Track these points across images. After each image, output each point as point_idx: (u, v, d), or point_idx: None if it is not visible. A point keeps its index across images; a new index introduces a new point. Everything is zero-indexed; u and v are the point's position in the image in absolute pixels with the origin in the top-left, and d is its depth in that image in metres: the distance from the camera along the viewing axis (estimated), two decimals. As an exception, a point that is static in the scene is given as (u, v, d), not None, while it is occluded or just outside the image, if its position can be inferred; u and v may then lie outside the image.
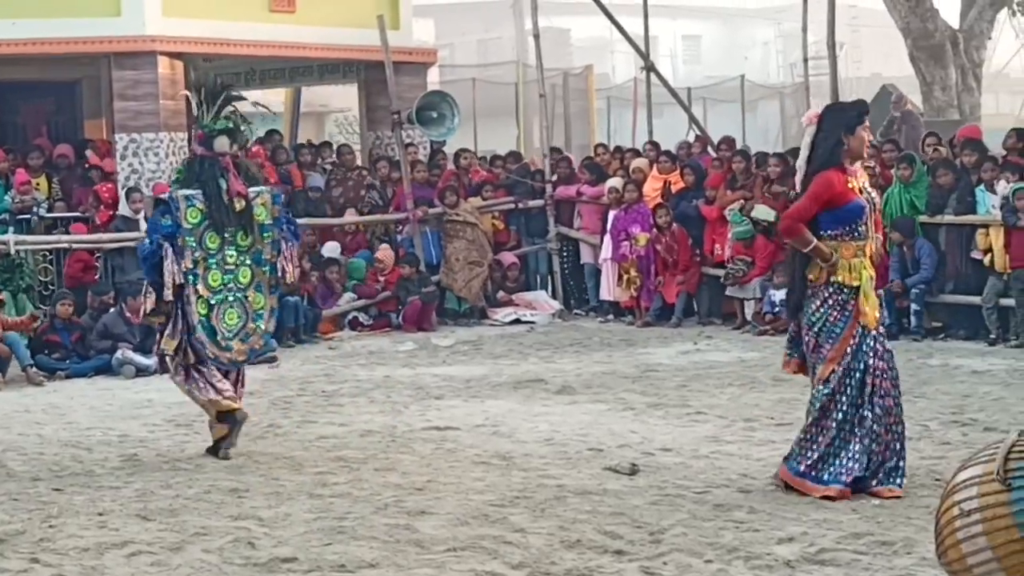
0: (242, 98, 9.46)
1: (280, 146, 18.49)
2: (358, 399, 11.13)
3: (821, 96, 21.05)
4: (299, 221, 16.19)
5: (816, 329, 7.46)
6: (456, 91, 20.22)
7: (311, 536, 6.79)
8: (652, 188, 16.18)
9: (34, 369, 12.58)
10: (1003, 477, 4.87)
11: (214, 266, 8.86)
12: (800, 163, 7.64)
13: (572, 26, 43.07)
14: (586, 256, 16.93)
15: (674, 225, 15.51)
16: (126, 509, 7.45)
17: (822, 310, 7.44)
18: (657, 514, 7.06)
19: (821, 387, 7.45)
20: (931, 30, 24.49)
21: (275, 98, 26.18)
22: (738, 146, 17.10)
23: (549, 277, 17.26)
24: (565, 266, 17.12)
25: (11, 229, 14.53)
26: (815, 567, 6.11)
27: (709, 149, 17.03)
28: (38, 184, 15.51)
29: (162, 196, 9.00)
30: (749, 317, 14.96)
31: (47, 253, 14.66)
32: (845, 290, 7.43)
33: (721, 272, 15.26)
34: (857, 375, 7.40)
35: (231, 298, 8.93)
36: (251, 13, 16.80)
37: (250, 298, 8.99)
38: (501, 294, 16.75)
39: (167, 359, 8.99)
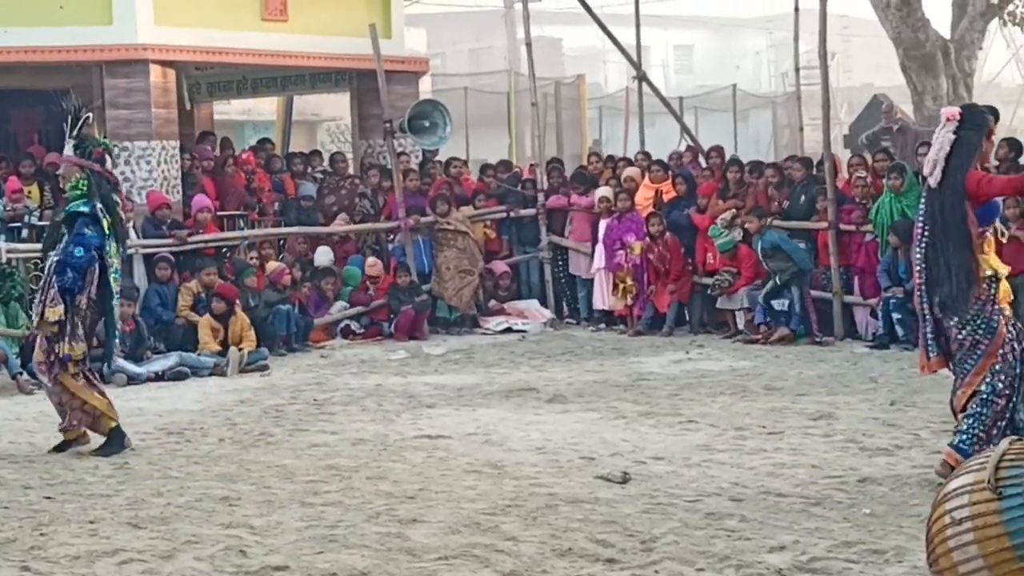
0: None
1: (274, 155, 18.52)
2: (350, 407, 11.13)
3: (813, 106, 21.08)
4: (291, 229, 16.47)
5: (973, 326, 7.58)
6: (448, 100, 20.25)
7: (302, 544, 6.79)
8: (644, 197, 16.20)
9: (24, 377, 12.54)
10: (994, 486, 4.89)
11: (115, 273, 9.51)
12: (935, 156, 7.68)
13: (564, 35, 43.15)
14: (573, 267, 16.93)
15: (667, 234, 15.53)
16: (117, 517, 7.44)
17: (977, 305, 7.58)
18: (648, 523, 7.06)
19: (992, 379, 7.49)
20: (922, 40, 24.55)
21: (267, 107, 26.24)
22: (729, 155, 17.12)
23: (541, 286, 17.25)
24: (560, 275, 17.10)
25: (2, 237, 14.51)
26: (806, 575, 6.11)
27: (700, 158, 17.07)
28: (30, 192, 15.50)
29: (83, 209, 9.26)
30: (741, 326, 14.99)
31: (39, 261, 14.61)
32: (994, 282, 7.67)
33: (712, 281, 15.29)
34: (1019, 367, 7.52)
35: (116, 302, 9.63)
36: (243, 22, 16.79)
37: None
38: (493, 303, 16.75)
39: (64, 365, 9.35)
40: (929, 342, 7.86)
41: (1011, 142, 14.19)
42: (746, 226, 14.87)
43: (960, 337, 7.64)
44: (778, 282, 14.44)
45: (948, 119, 7.71)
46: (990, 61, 38.69)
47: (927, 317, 7.83)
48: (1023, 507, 4.80)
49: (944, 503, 5.02)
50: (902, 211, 13.87)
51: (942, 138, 7.69)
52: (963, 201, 7.61)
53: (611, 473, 8.18)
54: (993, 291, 7.70)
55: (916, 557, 6.10)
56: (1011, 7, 26.60)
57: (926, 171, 7.89)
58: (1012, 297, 8.02)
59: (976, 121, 7.70)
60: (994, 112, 8.07)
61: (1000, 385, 7.49)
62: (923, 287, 7.83)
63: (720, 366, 12.95)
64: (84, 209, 9.30)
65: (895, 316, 13.69)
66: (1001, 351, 7.56)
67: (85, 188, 9.38)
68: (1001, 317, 7.66)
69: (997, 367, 7.53)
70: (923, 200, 7.91)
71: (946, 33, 25.52)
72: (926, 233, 7.78)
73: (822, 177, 14.86)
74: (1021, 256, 12.83)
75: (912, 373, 11.84)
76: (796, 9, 17.34)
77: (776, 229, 14.81)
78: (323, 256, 16.29)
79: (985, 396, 7.52)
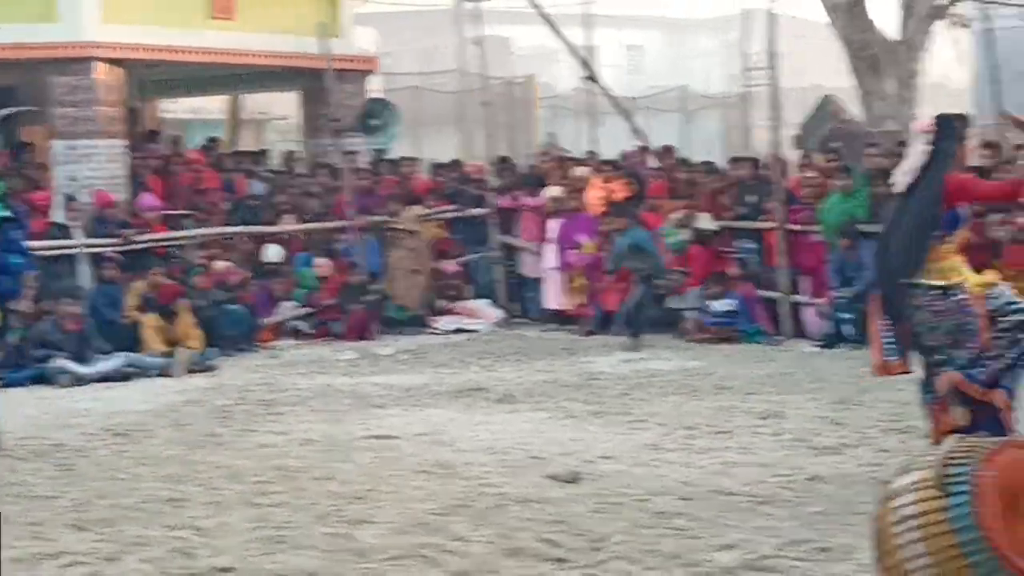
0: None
1: (225, 154, 18.42)
2: (298, 408, 11.07)
3: (762, 107, 21.16)
4: (240, 229, 16.36)
5: (945, 330, 7.55)
6: (398, 99, 20.22)
7: (250, 546, 6.74)
8: (594, 197, 16.21)
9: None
10: (940, 483, 4.90)
11: None
12: (910, 167, 7.68)
13: (514, 35, 43.11)
14: (523, 267, 16.93)
15: (617, 233, 15.55)
16: (61, 519, 7.37)
17: (945, 316, 7.55)
18: (598, 522, 7.05)
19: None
20: (870, 41, 24.70)
21: (215, 105, 26.09)
22: (679, 156, 17.16)
23: (491, 285, 17.23)
24: (510, 275, 17.10)
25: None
26: (755, 574, 6.13)
27: (650, 159, 17.10)
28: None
29: (6, 213, 9.28)
30: (690, 326, 15.02)
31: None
32: (956, 291, 7.54)
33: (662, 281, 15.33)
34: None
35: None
36: (191, 20, 16.69)
37: None
38: (443, 303, 16.71)
39: None
40: (887, 345, 7.85)
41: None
42: (611, 226, 15.00)
43: (938, 336, 7.63)
44: (636, 290, 14.64)
45: (923, 130, 7.75)
46: (937, 62, 38.95)
47: (891, 319, 7.83)
48: (969, 504, 4.82)
49: (891, 501, 5.04)
50: (850, 211, 13.95)
51: (916, 148, 7.73)
52: (937, 206, 7.59)
53: (560, 473, 8.18)
54: (958, 298, 7.59)
55: (863, 555, 6.12)
56: (957, 9, 26.82)
57: (896, 177, 7.88)
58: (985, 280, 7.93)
59: (949, 130, 7.74)
60: (966, 119, 8.13)
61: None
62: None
63: (670, 366, 12.96)
64: (7, 214, 9.24)
65: (843, 316, 13.76)
66: (994, 342, 7.57)
67: (3, 192, 9.36)
68: (976, 319, 7.58)
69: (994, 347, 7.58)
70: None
71: (894, 34, 25.69)
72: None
73: (770, 177, 14.91)
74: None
75: (860, 372, 11.91)
76: (746, 11, 17.40)
77: (643, 230, 14.93)
78: (274, 253, 16.20)
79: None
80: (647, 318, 14.50)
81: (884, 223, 7.85)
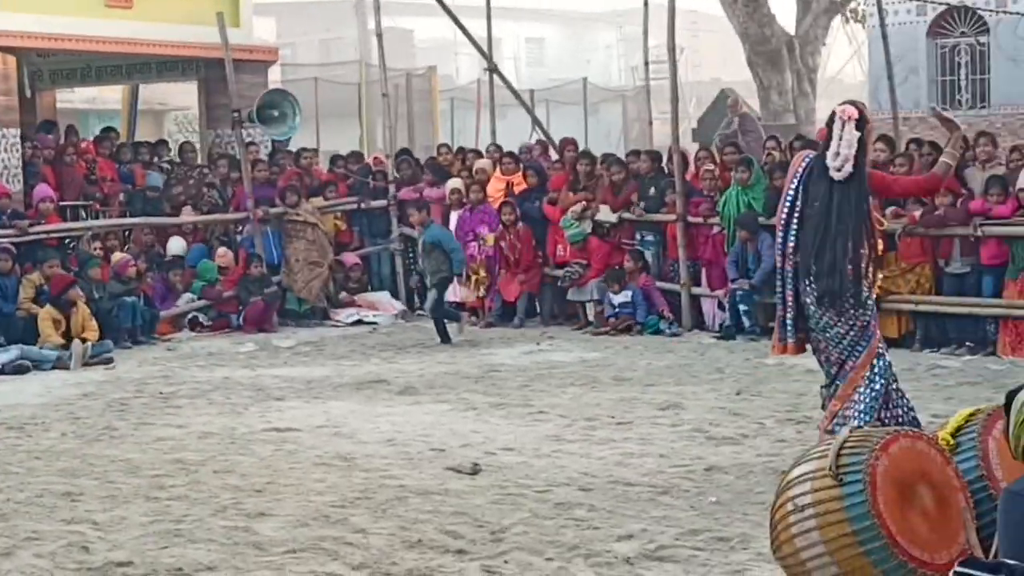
0: None
1: (123, 144, 18.17)
2: (197, 401, 10.97)
3: (662, 100, 21.30)
4: (136, 220, 16.17)
5: (852, 324, 7.78)
6: (298, 90, 20.05)
7: (147, 540, 6.67)
8: (495, 189, 16.23)
9: None
10: (835, 473, 4.97)
11: None
12: (846, 153, 7.79)
13: (415, 26, 43.03)
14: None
15: (520, 224, 15.57)
16: (-47, 515, 7.24)
17: (859, 305, 7.79)
18: (498, 513, 7.07)
19: (874, 370, 7.74)
20: (768, 35, 25.00)
21: (112, 95, 25.74)
22: (580, 148, 17.21)
23: (392, 278, 17.18)
24: (411, 267, 17.05)
25: None
26: (654, 563, 6.18)
27: (550, 151, 17.15)
28: None
29: None
30: (591, 318, 15.11)
31: None
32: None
33: (562, 273, 15.39)
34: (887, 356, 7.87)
35: None
36: (87, 8, 16.43)
37: None
38: (343, 295, 16.64)
39: None
40: (788, 326, 7.98)
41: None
42: (411, 220, 15.13)
43: (841, 332, 7.77)
44: (428, 284, 14.64)
45: (849, 117, 7.83)
46: (833, 57, 39.55)
47: (789, 303, 7.94)
48: (863, 493, 4.89)
49: (787, 490, 5.10)
50: (748, 204, 14.09)
51: (849, 136, 7.80)
52: (869, 197, 7.81)
53: (461, 464, 8.19)
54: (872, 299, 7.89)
55: (761, 544, 6.20)
56: (853, 4, 27.23)
57: (834, 164, 7.87)
58: None
59: (866, 117, 7.92)
60: (864, 104, 8.35)
61: (881, 366, 7.74)
62: (790, 272, 7.93)
63: (570, 357, 13.02)
64: None
65: (741, 307, 13.91)
66: (879, 348, 7.77)
67: None
68: (876, 320, 7.85)
69: (876, 360, 7.77)
70: (795, 188, 8.02)
71: (791, 29, 26.01)
72: (794, 221, 7.94)
73: (671, 170, 15.02)
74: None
75: (757, 363, 12.06)
76: (645, 4, 17.51)
77: (443, 228, 14.99)
78: (177, 246, 16.05)
79: (870, 376, 7.73)
80: (442, 315, 14.47)
81: (819, 209, 7.91)
